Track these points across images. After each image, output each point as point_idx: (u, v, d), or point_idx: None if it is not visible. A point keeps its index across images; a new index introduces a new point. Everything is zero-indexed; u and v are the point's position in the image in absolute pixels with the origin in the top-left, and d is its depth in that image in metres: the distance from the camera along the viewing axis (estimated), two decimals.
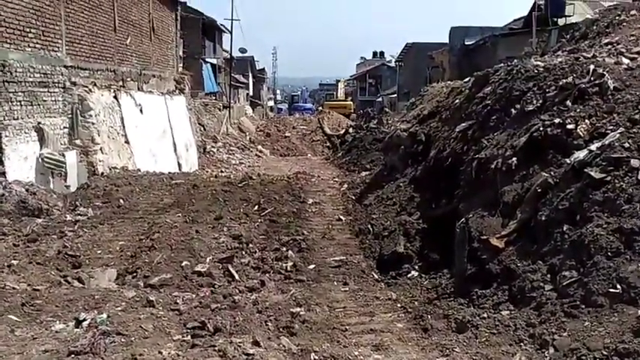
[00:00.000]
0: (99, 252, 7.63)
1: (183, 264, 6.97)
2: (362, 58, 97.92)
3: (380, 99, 66.53)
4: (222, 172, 23.39)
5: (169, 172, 14.60)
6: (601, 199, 5.11)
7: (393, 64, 68.95)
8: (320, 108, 63.69)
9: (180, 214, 9.10)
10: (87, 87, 15.13)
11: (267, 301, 6.05)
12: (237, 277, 6.79)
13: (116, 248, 7.72)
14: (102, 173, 13.25)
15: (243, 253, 7.58)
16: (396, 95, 55.93)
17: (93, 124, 14.60)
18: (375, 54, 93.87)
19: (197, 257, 7.19)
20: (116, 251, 7.63)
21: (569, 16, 24.93)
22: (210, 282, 6.61)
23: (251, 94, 65.56)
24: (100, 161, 14.44)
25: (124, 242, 7.92)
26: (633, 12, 9.51)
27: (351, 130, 33.89)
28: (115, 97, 16.53)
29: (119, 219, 9.07)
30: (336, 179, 14.57)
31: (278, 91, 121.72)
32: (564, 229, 5.24)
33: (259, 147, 35.58)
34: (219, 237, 8.00)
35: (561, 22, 24.53)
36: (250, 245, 7.87)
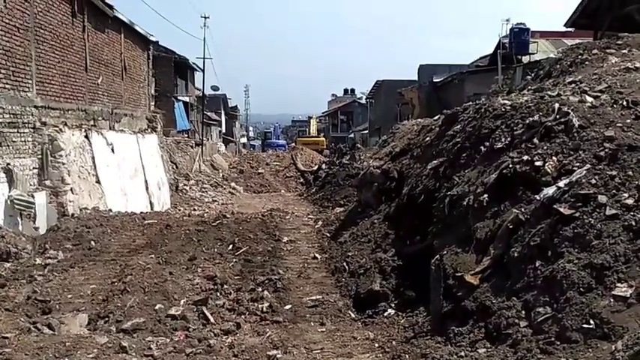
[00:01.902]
0: (69, 296, 7.45)
1: (156, 307, 6.85)
2: (333, 95, 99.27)
3: (352, 135, 67.31)
4: (194, 210, 23.19)
5: (141, 212, 14.44)
6: (571, 234, 5.21)
7: (363, 101, 70.04)
8: (293, 144, 64.00)
9: (153, 256, 8.97)
10: (57, 127, 15.00)
11: (244, 344, 5.98)
12: (212, 319, 6.70)
13: (87, 292, 7.55)
14: (72, 214, 13.02)
15: (218, 294, 7.49)
16: (367, 131, 56.68)
17: (63, 164, 14.42)
18: (346, 91, 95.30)
19: (171, 300, 7.08)
20: (87, 295, 7.46)
21: (533, 53, 25.79)
22: (185, 325, 6.50)
23: (224, 131, 65.69)
24: (70, 202, 14.21)
25: (96, 286, 7.75)
26: (595, 51, 9.87)
27: (324, 165, 34.07)
28: (86, 136, 16.40)
29: (90, 261, 8.90)
30: (311, 216, 14.57)
31: (251, 128, 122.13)
32: (537, 264, 5.31)
33: (232, 184, 35.44)
34: (193, 278, 7.90)
35: (525, 59, 25.33)
36: (225, 286, 7.78)
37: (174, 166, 30.02)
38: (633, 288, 4.57)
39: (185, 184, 29.01)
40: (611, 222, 5.05)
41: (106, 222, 11.48)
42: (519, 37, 26.39)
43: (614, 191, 5.34)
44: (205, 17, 44.89)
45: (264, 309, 7.10)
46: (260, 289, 7.76)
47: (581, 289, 4.78)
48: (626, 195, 5.22)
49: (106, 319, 6.71)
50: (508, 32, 27.10)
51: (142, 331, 6.34)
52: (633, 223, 4.91)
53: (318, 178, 30.97)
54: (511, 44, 26.14)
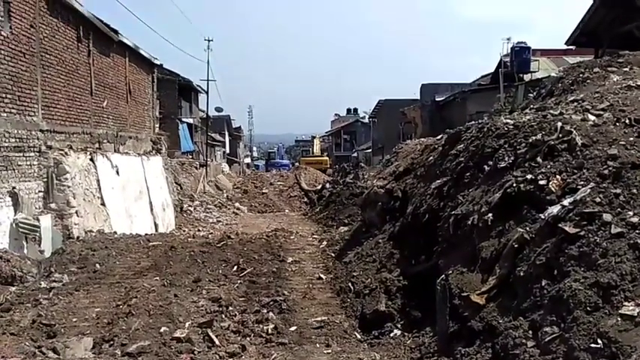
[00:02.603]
0: (74, 320, 7.44)
1: (161, 330, 6.82)
2: (336, 114, 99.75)
3: (355, 154, 67.42)
4: (199, 230, 23.21)
5: (146, 234, 14.47)
6: (577, 253, 5.18)
7: (366, 120, 70.31)
8: (296, 164, 64.12)
9: (157, 278, 8.97)
10: (63, 150, 15.14)
11: None
12: (217, 342, 6.65)
13: (92, 315, 7.54)
14: (77, 237, 13.06)
15: (223, 316, 7.45)
16: (370, 150, 56.80)
17: (68, 187, 14.51)
18: (349, 110, 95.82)
19: (176, 322, 7.05)
20: (92, 319, 7.44)
21: (535, 72, 25.93)
22: (190, 348, 6.46)
23: (228, 151, 65.96)
24: (75, 224, 14.26)
25: (101, 309, 7.74)
26: (596, 69, 9.91)
27: (327, 185, 34.08)
28: (91, 159, 16.52)
29: (95, 284, 8.90)
30: (315, 235, 14.56)
31: (255, 148, 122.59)
32: (543, 284, 5.28)
33: (237, 204, 35.47)
34: (198, 300, 7.88)
35: (527, 77, 25.45)
36: (230, 308, 7.75)
37: (179, 188, 30.10)
38: None
39: (190, 205, 29.06)
40: (616, 240, 5.02)
41: (110, 244, 11.50)
42: (520, 55, 26.59)
43: (618, 209, 5.32)
44: (209, 40, 45.43)
45: (270, 331, 7.06)
46: (265, 311, 7.73)
47: (588, 308, 4.75)
48: (631, 213, 5.20)
49: (111, 342, 6.67)
50: (509, 51, 27.29)
51: (147, 355, 6.30)
52: (639, 242, 4.89)
53: (322, 197, 30.97)
54: (512, 63, 26.33)
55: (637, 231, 5.02)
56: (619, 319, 4.55)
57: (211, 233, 19.97)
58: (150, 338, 6.64)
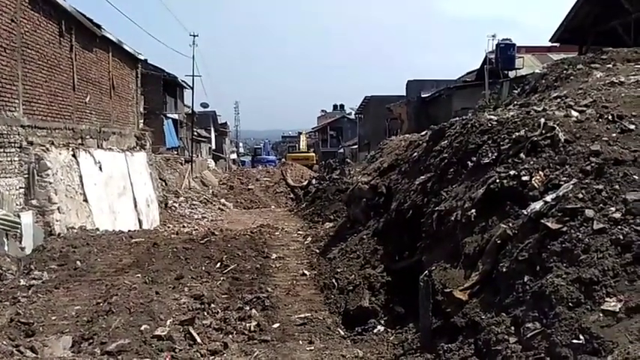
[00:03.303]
0: (53, 318, 7.31)
1: (142, 328, 6.71)
2: (323, 110, 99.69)
3: (341, 150, 67.44)
4: (184, 227, 23.04)
5: (129, 231, 14.30)
6: (559, 249, 5.18)
7: (353, 117, 70.31)
8: (283, 160, 63.95)
9: (139, 275, 8.85)
10: (44, 146, 14.93)
11: None
12: (198, 339, 6.57)
13: (72, 313, 7.42)
14: (59, 234, 12.87)
15: (205, 313, 7.37)
16: (357, 146, 56.82)
17: (50, 183, 14.31)
18: (335, 107, 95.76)
19: (157, 320, 6.95)
20: (72, 317, 7.32)
21: (519, 68, 26.04)
22: (171, 346, 6.37)
23: (213, 147, 65.62)
24: (57, 221, 14.07)
25: (80, 307, 7.62)
26: (580, 66, 9.94)
27: (313, 181, 34.01)
28: (74, 155, 16.30)
29: (75, 282, 8.76)
30: (300, 232, 14.49)
31: (241, 144, 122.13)
32: (525, 279, 5.27)
33: (222, 200, 35.27)
34: (179, 298, 7.79)
35: (512, 74, 25.55)
36: (212, 305, 7.67)
37: (164, 184, 29.86)
38: (622, 302, 4.54)
39: (174, 201, 28.84)
40: (598, 236, 5.03)
41: (92, 241, 11.34)
42: (505, 52, 26.67)
43: (601, 205, 5.32)
44: (194, 35, 45.08)
45: (252, 328, 6.99)
46: (248, 308, 7.65)
47: (570, 304, 4.75)
48: (613, 209, 5.20)
49: (91, 340, 6.56)
50: (494, 48, 27.37)
51: (127, 353, 6.20)
52: (621, 237, 4.89)
53: (308, 193, 30.89)
54: (497, 59, 26.41)
55: (619, 227, 5.02)
56: (601, 314, 4.55)
57: (196, 229, 19.82)
58: (130, 336, 6.54)
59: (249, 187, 41.51)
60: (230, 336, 6.80)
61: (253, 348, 6.40)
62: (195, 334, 6.65)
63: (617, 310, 4.51)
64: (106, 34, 19.98)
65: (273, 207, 34.83)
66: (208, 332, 6.85)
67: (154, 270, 9.20)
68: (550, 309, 4.85)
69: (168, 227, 22.76)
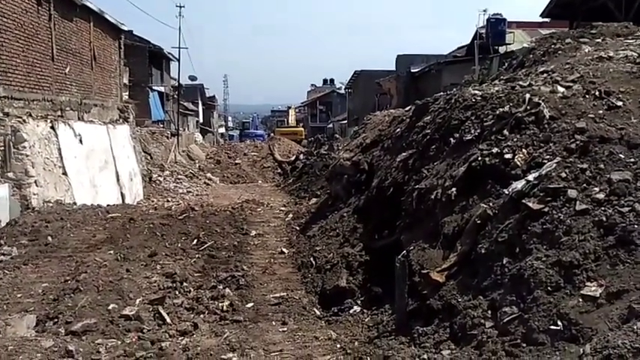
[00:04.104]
0: (19, 296, 7.06)
1: (109, 307, 6.48)
2: (312, 85, 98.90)
3: (331, 125, 66.99)
4: (168, 201, 22.75)
5: (108, 205, 13.99)
6: (540, 230, 4.98)
7: (342, 91, 69.69)
8: (271, 134, 63.45)
9: (112, 252, 8.58)
10: (21, 118, 14.53)
11: (199, 346, 5.67)
12: (168, 319, 6.36)
13: (38, 291, 7.16)
14: (33, 208, 12.56)
15: (177, 292, 7.14)
16: (346, 121, 56.37)
17: (27, 155, 13.96)
18: (325, 81, 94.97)
19: (125, 299, 6.71)
20: (38, 294, 7.06)
21: (510, 44, 25.70)
22: (139, 326, 6.16)
23: (201, 121, 64.95)
24: (34, 194, 13.75)
25: (48, 284, 7.36)
26: (568, 40, 9.66)
27: (301, 156, 33.79)
28: (52, 127, 15.89)
29: (45, 258, 8.48)
30: (282, 208, 14.24)
31: (230, 118, 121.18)
32: (504, 262, 5.08)
33: (208, 175, 34.97)
34: (151, 276, 7.54)
35: (502, 49, 25.22)
36: (185, 284, 7.43)
37: (149, 157, 29.46)
38: (603, 287, 4.35)
39: (159, 175, 28.46)
40: (581, 217, 4.83)
41: (67, 216, 11.02)
42: (496, 27, 26.25)
43: (584, 185, 5.12)
44: (180, 6, 44.12)
45: (225, 308, 6.77)
46: (222, 287, 7.43)
47: (549, 288, 4.56)
48: (597, 189, 4.99)
49: (56, 320, 6.32)
50: (485, 22, 26.96)
51: (93, 333, 5.98)
52: (604, 219, 4.69)
53: (296, 168, 30.70)
54: (488, 34, 26.01)
55: (602, 208, 4.82)
56: (580, 299, 4.37)
57: (179, 204, 19.55)
58: (97, 316, 6.31)
59: (237, 161, 41.21)
60: (201, 316, 6.59)
61: (224, 329, 6.20)
62: (164, 314, 6.43)
63: (598, 295, 4.33)
64: (86, 3, 19.39)
65: (260, 182, 34.62)
66: (179, 312, 6.63)
67: (127, 246, 8.92)
68: (528, 293, 4.67)
69: (152, 201, 22.47)
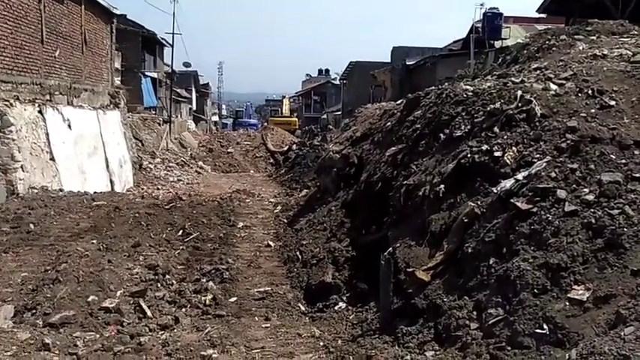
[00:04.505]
0: None
1: (89, 299, 6.33)
2: (307, 75, 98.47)
3: (325, 116, 66.71)
4: (158, 189, 22.58)
5: (94, 193, 13.81)
6: (527, 231, 4.88)
7: (337, 82, 69.38)
8: (265, 124, 63.17)
9: (95, 241, 8.40)
10: (8, 101, 14.29)
11: (179, 341, 5.55)
12: (149, 313, 6.23)
13: (17, 281, 7.00)
14: (18, 194, 12.36)
15: (159, 285, 7.00)
16: (340, 113, 56.12)
17: (13, 140, 13.74)
18: (320, 71, 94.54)
19: (106, 291, 6.56)
20: (17, 284, 6.90)
21: (506, 39, 25.61)
22: (118, 319, 6.02)
23: (194, 108, 64.51)
24: (20, 180, 13.55)
25: (28, 274, 7.19)
26: (563, 37, 9.53)
27: (294, 146, 33.69)
28: (40, 111, 15.65)
29: (27, 246, 8.30)
30: (272, 200, 14.11)
31: (224, 106, 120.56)
32: (490, 262, 4.98)
33: (200, 163, 34.78)
34: (133, 267, 7.39)
35: (498, 44, 25.12)
36: (167, 276, 7.29)
37: (140, 144, 29.20)
38: (590, 291, 4.27)
39: (150, 163, 28.22)
40: (569, 219, 4.73)
41: (51, 203, 10.84)
42: (492, 21, 26.15)
43: (574, 186, 5.02)
44: None
45: (208, 302, 6.65)
46: (205, 280, 7.30)
47: (535, 290, 4.47)
48: (586, 190, 4.90)
49: (34, 311, 6.17)
50: (482, 16, 26.83)
51: (71, 326, 5.85)
52: (593, 221, 4.59)
53: (288, 159, 30.60)
54: (484, 29, 25.89)
55: (592, 209, 4.72)
56: (567, 303, 4.29)
57: (169, 192, 19.40)
58: (76, 307, 6.16)
59: (229, 150, 41.01)
60: (183, 310, 6.47)
61: (206, 323, 6.07)
62: (145, 307, 6.30)
63: (585, 299, 4.25)
64: None
65: (252, 172, 34.50)
66: (160, 305, 6.51)
67: (111, 236, 8.76)
68: (514, 295, 4.58)
69: (142, 189, 22.30)
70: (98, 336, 5.66)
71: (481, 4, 27.44)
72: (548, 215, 4.86)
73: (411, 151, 7.46)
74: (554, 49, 9.00)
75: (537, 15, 26.48)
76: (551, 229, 4.75)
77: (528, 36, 11.34)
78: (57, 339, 5.49)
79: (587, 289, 4.30)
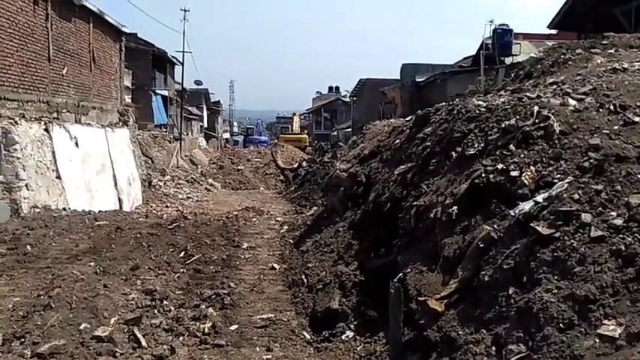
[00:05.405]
0: None
1: (81, 327, 5.97)
2: (318, 92, 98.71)
3: (335, 133, 66.61)
4: (167, 206, 22.39)
5: (99, 211, 13.57)
6: (550, 258, 4.48)
7: (347, 99, 69.34)
8: (275, 141, 63.18)
9: (93, 263, 8.08)
10: (13, 119, 14.20)
11: None
12: (143, 342, 5.85)
13: (9, 306, 6.66)
14: (20, 213, 12.14)
15: (156, 311, 6.63)
16: (350, 130, 55.91)
17: (18, 158, 13.63)
18: (330, 88, 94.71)
19: (99, 318, 6.20)
20: (8, 310, 6.56)
21: (516, 55, 25.32)
22: (111, 350, 5.65)
23: (205, 126, 64.77)
24: (24, 198, 13.39)
25: (20, 298, 6.86)
26: (579, 50, 9.17)
27: (304, 163, 33.55)
28: (46, 129, 15.54)
29: (22, 269, 7.99)
30: (279, 219, 13.75)
31: (235, 124, 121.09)
32: (510, 292, 4.57)
33: (210, 180, 34.72)
34: (130, 292, 7.03)
35: (508, 60, 24.82)
36: (165, 302, 6.92)
37: (150, 161, 29.15)
38: (623, 327, 3.84)
39: (160, 180, 28.13)
40: (596, 245, 4.32)
41: (52, 223, 10.55)
42: (502, 38, 25.90)
43: (600, 209, 4.61)
44: (185, 10, 44.01)
45: (207, 330, 6.25)
46: (205, 306, 6.91)
47: (561, 325, 4.05)
48: (614, 214, 4.49)
49: (22, 339, 5.82)
50: (491, 33, 26.57)
51: (60, 356, 5.49)
52: (622, 248, 4.18)
53: (298, 176, 30.42)
54: (494, 45, 25.62)
55: (620, 235, 4.31)
56: (597, 340, 3.86)
57: (178, 210, 19.18)
58: (66, 336, 5.81)
59: (239, 167, 41.04)
60: (180, 338, 6.09)
61: (203, 354, 5.70)
62: (140, 336, 5.93)
63: (617, 335, 3.82)
64: (85, 4, 19.11)
65: (262, 189, 34.36)
66: (156, 333, 6.13)
67: (110, 258, 8.43)
68: (537, 330, 4.16)
69: (151, 207, 22.14)
70: None
71: (490, 21, 27.19)
72: (572, 241, 4.45)
73: (421, 170, 7.09)
74: (570, 63, 8.62)
75: (547, 31, 26.20)
76: (577, 257, 4.34)
77: (542, 50, 10.98)
78: None
79: (619, 325, 3.88)
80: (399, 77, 36.88)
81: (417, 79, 33.64)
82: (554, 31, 25.86)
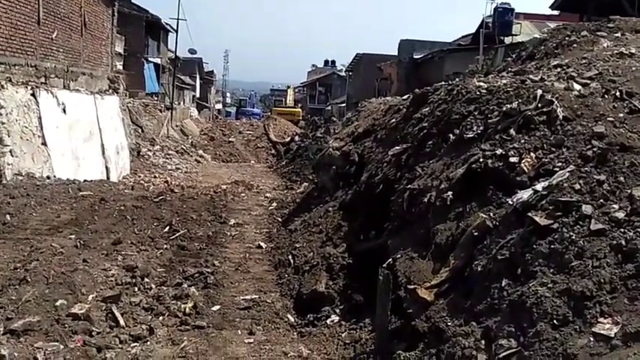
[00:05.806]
0: None
1: (57, 303, 5.73)
2: (313, 65, 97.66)
3: (329, 107, 66.11)
4: (155, 177, 22.10)
5: (83, 181, 13.25)
6: (546, 250, 4.28)
7: (343, 74, 68.69)
8: (269, 113, 62.67)
9: (73, 236, 7.82)
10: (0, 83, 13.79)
11: (151, 356, 4.98)
12: (121, 321, 5.64)
13: None
14: (0, 180, 11.82)
15: (136, 289, 6.41)
16: (345, 105, 55.49)
17: (3, 123, 13.27)
18: (326, 62, 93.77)
19: (77, 295, 5.97)
20: None
21: (516, 35, 24.96)
22: (87, 328, 5.44)
23: (198, 96, 64.04)
24: (8, 165, 13.05)
25: None
26: (584, 33, 8.89)
27: (297, 138, 33.27)
28: (33, 94, 15.11)
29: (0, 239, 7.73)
30: (268, 195, 13.52)
31: (229, 95, 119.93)
32: (503, 284, 4.38)
33: (200, 152, 34.34)
34: (110, 268, 6.79)
35: (508, 40, 24.49)
36: (146, 279, 6.69)
37: (140, 130, 28.68)
38: (619, 326, 3.66)
39: (149, 150, 27.71)
40: (596, 239, 4.12)
41: (34, 192, 10.25)
42: (503, 17, 25.47)
43: (601, 201, 4.40)
44: None
45: (188, 310, 6.05)
46: (187, 285, 6.71)
47: (555, 321, 3.86)
48: (615, 207, 4.28)
49: None
50: (492, 11, 26.15)
51: (34, 333, 5.27)
52: (623, 243, 3.98)
53: (290, 150, 30.17)
54: (494, 24, 25.22)
55: (622, 229, 4.10)
56: (592, 338, 3.68)
57: (165, 181, 18.90)
58: (41, 313, 5.58)
59: (231, 139, 40.69)
60: (160, 318, 5.89)
61: (183, 336, 5.50)
62: (118, 315, 5.72)
63: (613, 334, 3.64)
64: None
65: (252, 162, 34.09)
66: (135, 312, 5.92)
67: (91, 230, 8.18)
68: (530, 325, 3.97)
69: (139, 177, 21.86)
70: (62, 347, 5.09)
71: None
72: (571, 233, 4.25)
73: (416, 152, 6.85)
74: (574, 45, 8.34)
75: (549, 12, 25.82)
76: (575, 250, 4.14)
77: (546, 31, 10.69)
78: (15, 349, 4.92)
79: (616, 323, 3.70)
80: (396, 53, 36.41)
81: (415, 56, 33.22)
82: (555, 12, 25.48)
